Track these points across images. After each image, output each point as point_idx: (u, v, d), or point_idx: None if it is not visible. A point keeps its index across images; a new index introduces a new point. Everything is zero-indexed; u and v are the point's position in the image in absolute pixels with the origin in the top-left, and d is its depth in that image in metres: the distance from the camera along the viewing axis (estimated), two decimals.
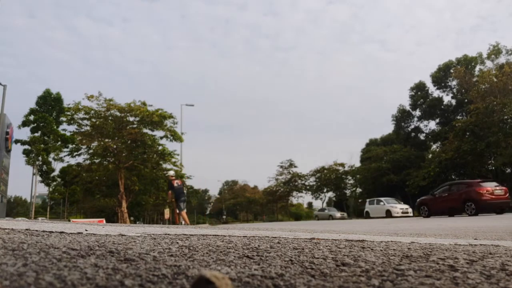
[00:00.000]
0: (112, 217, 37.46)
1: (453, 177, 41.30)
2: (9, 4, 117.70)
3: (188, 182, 40.81)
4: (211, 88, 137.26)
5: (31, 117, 27.78)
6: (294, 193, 58.39)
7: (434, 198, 16.84)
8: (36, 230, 2.57)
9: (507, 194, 14.72)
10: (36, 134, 27.63)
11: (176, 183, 13.09)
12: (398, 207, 24.38)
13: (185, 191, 14.47)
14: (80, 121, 25.95)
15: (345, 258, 1.54)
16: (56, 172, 31.16)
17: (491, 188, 14.63)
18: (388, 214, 24.13)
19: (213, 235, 2.72)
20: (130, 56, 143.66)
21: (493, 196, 14.35)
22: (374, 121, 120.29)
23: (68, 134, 27.98)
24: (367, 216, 26.84)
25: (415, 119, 49.58)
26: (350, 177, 53.98)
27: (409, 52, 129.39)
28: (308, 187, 56.21)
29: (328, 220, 31.02)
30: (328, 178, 53.35)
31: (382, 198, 26.98)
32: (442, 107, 46.13)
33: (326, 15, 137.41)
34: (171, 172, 14.29)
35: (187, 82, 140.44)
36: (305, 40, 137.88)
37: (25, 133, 37.74)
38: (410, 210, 24.31)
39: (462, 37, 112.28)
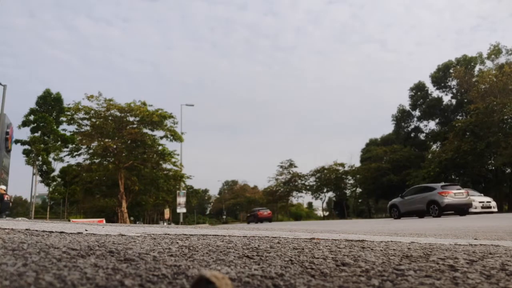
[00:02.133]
0: (112, 217, 37.43)
1: (453, 177, 41.33)
2: (9, 4, 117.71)
3: (188, 182, 40.80)
4: (211, 88, 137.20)
5: (31, 117, 27.70)
6: (294, 193, 58.42)
7: (251, 214, 35.18)
8: (36, 230, 2.57)
9: (271, 214, 34.14)
10: (36, 134, 27.57)
11: (6, 197, 14.73)
12: (477, 200, 18.05)
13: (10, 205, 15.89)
14: (80, 121, 25.96)
15: (345, 258, 1.54)
16: (56, 172, 31.13)
17: (263, 211, 33.70)
18: None
19: (213, 235, 2.72)
20: (130, 56, 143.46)
21: (263, 215, 32.85)
22: (374, 121, 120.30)
23: (68, 134, 27.97)
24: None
25: (415, 119, 49.66)
26: (350, 177, 54.01)
27: (409, 52, 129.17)
28: (308, 187, 56.22)
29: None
30: (328, 178, 53.38)
31: None
32: (442, 107, 46.18)
33: (326, 15, 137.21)
34: (3, 187, 15.66)
35: (187, 82, 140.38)
36: (305, 40, 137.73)
37: (25, 133, 37.77)
38: (493, 204, 18.45)
39: (462, 37, 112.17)
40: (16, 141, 25.67)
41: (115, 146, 26.22)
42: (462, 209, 16.29)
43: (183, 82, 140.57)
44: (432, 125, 48.70)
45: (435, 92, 46.70)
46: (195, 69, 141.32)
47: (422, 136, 50.22)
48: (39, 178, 28.10)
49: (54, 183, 32.50)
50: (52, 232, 2.50)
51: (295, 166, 57.43)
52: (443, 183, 18.28)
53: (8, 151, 12.19)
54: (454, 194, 16.07)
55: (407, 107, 49.41)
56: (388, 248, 1.95)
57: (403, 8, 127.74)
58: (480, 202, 18.15)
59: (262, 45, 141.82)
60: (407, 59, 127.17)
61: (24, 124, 27.53)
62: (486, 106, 32.26)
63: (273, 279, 1.11)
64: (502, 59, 36.89)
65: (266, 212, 33.35)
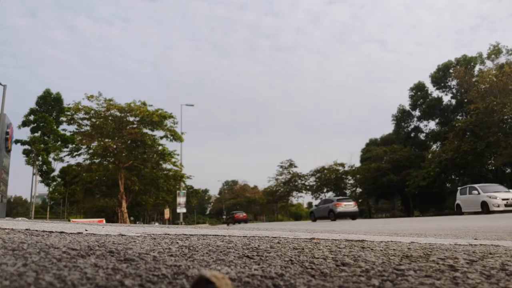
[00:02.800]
0: (112, 217, 37.43)
1: (453, 177, 41.32)
2: (9, 4, 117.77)
3: (188, 182, 40.86)
4: (211, 88, 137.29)
5: (31, 117, 27.69)
6: (294, 193, 58.45)
7: (230, 217, 41.38)
8: (36, 230, 2.57)
9: (246, 216, 39.59)
10: (36, 134, 27.55)
11: None
12: (499, 197, 16.26)
13: None
14: (80, 121, 25.95)
15: (345, 258, 1.54)
16: (56, 172, 31.12)
17: (239, 214, 39.51)
18: (484, 207, 16.70)
19: (213, 235, 2.72)
20: (130, 56, 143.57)
21: (239, 217, 38.07)
22: (374, 121, 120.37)
23: (68, 134, 27.97)
24: (459, 210, 18.98)
25: (415, 119, 49.66)
26: (350, 177, 54.01)
27: (409, 52, 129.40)
28: (308, 187, 56.25)
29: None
30: (328, 178, 53.39)
31: (477, 185, 18.41)
32: (442, 107, 46.19)
33: (326, 15, 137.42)
34: None
35: (187, 82, 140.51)
36: (305, 40, 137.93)
37: (25, 133, 37.71)
38: None
39: (462, 37, 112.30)
40: (16, 141, 25.68)
41: (115, 146, 26.22)
42: (351, 215, 21.23)
43: (183, 82, 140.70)
44: (432, 125, 48.75)
45: (435, 92, 46.74)
46: (195, 69, 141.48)
47: (422, 136, 50.23)
48: (39, 178, 28.11)
49: (54, 183, 32.49)
50: (52, 232, 2.50)
51: (295, 166, 57.51)
52: (339, 197, 24.01)
53: (8, 151, 12.17)
54: (345, 205, 21.10)
55: (407, 107, 49.44)
56: (388, 248, 1.95)
57: (403, 8, 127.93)
58: (503, 199, 16.18)
59: (262, 45, 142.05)
60: (407, 59, 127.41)
61: (24, 124, 27.53)
62: (486, 106, 32.25)
63: (273, 279, 1.11)
64: (502, 59, 36.91)
65: (242, 214, 39.97)
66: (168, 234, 2.71)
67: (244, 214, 40.02)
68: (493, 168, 37.58)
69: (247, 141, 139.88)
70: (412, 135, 50.24)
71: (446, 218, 13.81)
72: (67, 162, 29.66)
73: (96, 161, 28.20)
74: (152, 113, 25.09)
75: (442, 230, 5.56)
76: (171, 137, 26.95)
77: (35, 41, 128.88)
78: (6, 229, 2.59)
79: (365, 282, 1.09)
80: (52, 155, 28.34)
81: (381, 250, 1.87)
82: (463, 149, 34.17)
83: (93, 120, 25.76)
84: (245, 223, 36.10)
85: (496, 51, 37.25)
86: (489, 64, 38.91)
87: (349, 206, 21.26)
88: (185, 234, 2.72)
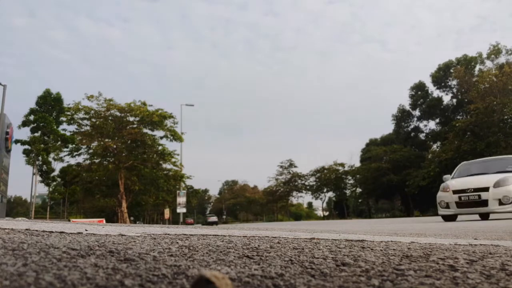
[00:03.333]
0: (112, 217, 37.41)
1: None
2: (9, 4, 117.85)
3: (188, 182, 40.87)
4: (211, 88, 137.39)
5: (31, 117, 27.66)
6: (294, 193, 58.54)
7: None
8: (36, 230, 2.56)
9: (193, 222, 55.11)
10: (36, 134, 27.53)
11: None
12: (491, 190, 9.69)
13: None
14: (80, 121, 25.99)
15: (345, 258, 1.54)
16: (56, 172, 31.09)
17: (188, 219, 50.91)
18: None
19: (213, 235, 2.71)
20: (130, 56, 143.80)
21: (188, 222, 47.30)
22: (374, 121, 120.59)
23: (68, 134, 27.97)
24: None
25: (415, 119, 49.77)
26: (350, 177, 54.08)
27: (409, 52, 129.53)
28: (308, 187, 56.31)
29: None
30: (328, 178, 53.43)
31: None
32: (442, 107, 46.22)
33: (326, 15, 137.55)
34: None
35: (187, 82, 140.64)
36: (305, 40, 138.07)
37: (25, 133, 37.68)
38: None
39: (462, 37, 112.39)
40: (16, 141, 25.66)
41: (115, 146, 26.23)
42: (214, 223, 36.41)
43: (183, 82, 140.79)
44: (432, 125, 48.86)
45: (435, 92, 46.84)
46: (195, 69, 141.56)
47: (422, 136, 50.31)
48: (39, 178, 28.09)
49: (54, 183, 32.45)
50: (52, 232, 2.50)
51: (295, 166, 57.61)
52: (209, 214, 51.77)
53: (8, 151, 12.18)
54: (211, 218, 49.09)
55: (407, 107, 49.53)
56: (388, 248, 1.95)
57: (403, 8, 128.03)
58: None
59: (262, 45, 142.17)
60: (407, 59, 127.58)
61: (24, 124, 27.51)
62: (486, 106, 32.28)
63: (273, 279, 1.11)
64: (502, 59, 36.98)
65: (189, 220, 51.94)
66: (168, 234, 2.71)
67: (191, 220, 53.44)
68: None
69: (247, 141, 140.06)
70: (412, 135, 50.30)
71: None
72: (67, 162, 29.71)
73: (96, 161, 28.23)
74: (152, 113, 25.10)
75: (442, 230, 5.56)
76: (171, 137, 26.97)
77: (35, 41, 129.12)
78: (6, 229, 2.59)
79: (365, 282, 1.09)
80: (52, 155, 28.33)
81: (381, 250, 1.87)
82: (463, 149, 34.19)
83: (93, 120, 25.79)
84: (191, 225, 48.04)
85: (496, 51, 37.28)
86: (489, 64, 39.01)
87: (213, 218, 48.95)
88: (185, 234, 2.72)
